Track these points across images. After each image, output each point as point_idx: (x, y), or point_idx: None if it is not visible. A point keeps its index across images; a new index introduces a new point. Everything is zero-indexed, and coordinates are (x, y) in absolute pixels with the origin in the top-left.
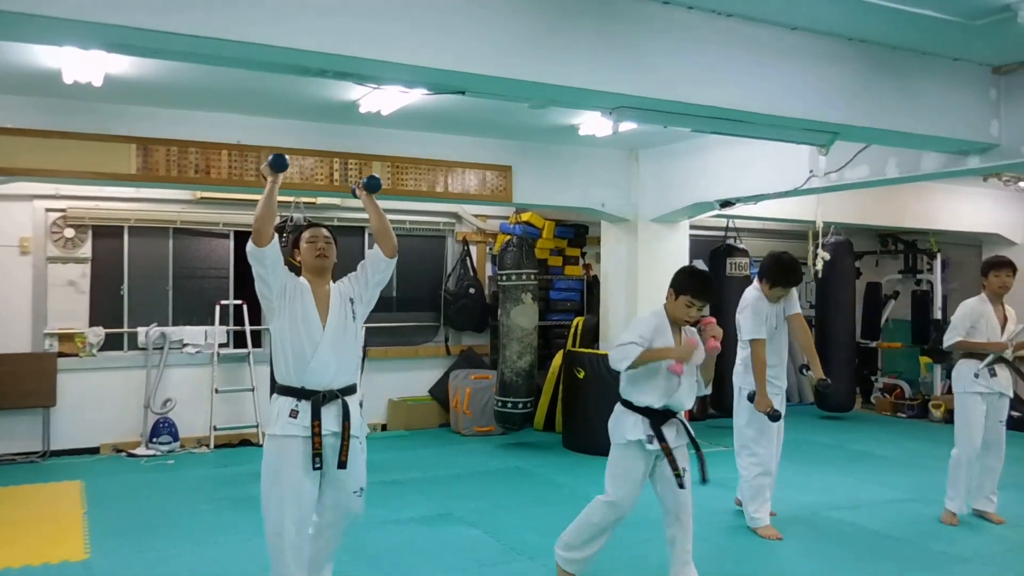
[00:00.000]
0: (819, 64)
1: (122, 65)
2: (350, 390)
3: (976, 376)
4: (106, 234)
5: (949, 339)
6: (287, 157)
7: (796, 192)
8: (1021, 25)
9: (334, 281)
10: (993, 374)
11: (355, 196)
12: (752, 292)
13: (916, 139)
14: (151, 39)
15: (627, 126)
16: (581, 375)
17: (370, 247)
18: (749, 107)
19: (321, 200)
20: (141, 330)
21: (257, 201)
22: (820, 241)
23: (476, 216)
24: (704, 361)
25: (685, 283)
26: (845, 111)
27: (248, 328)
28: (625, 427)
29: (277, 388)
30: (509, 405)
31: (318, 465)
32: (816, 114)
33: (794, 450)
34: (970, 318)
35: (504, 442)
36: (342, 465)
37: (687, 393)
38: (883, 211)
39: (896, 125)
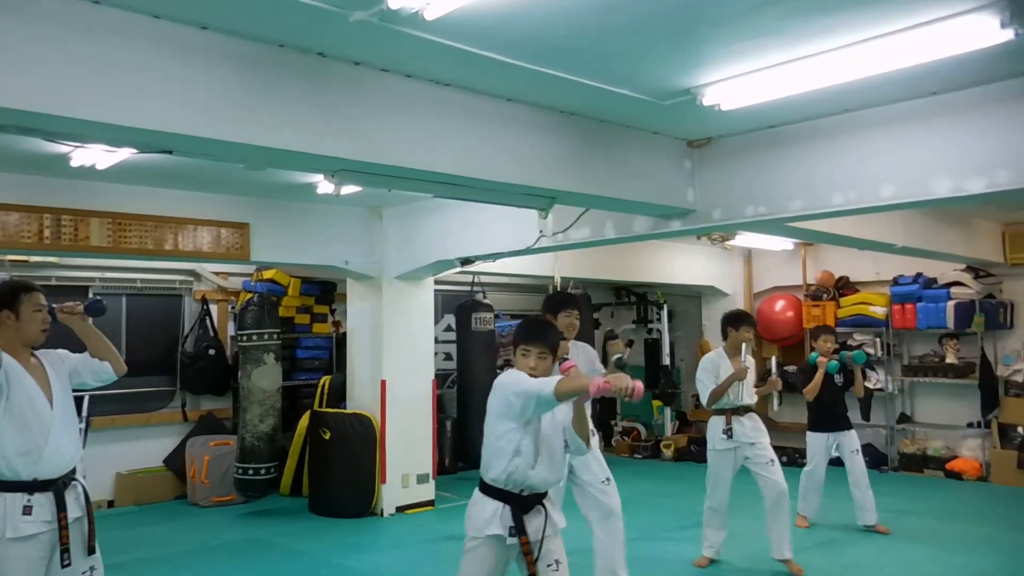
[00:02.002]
0: (534, 133)
1: None
2: (75, 468)
3: (724, 433)
4: None
5: (704, 396)
6: None
7: (528, 251)
8: (703, 107)
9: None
10: (729, 436)
11: (53, 319)
12: None
13: (624, 204)
14: None
15: (356, 188)
16: (327, 436)
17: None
18: (467, 172)
19: (35, 259)
20: None
21: None
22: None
23: (216, 274)
24: (574, 417)
25: (517, 333)
26: (559, 178)
27: None
28: (482, 517)
29: None
30: (250, 472)
31: (67, 562)
32: (532, 180)
33: None
34: (711, 372)
35: (245, 511)
36: (91, 551)
37: (549, 466)
38: (615, 267)
39: (605, 191)
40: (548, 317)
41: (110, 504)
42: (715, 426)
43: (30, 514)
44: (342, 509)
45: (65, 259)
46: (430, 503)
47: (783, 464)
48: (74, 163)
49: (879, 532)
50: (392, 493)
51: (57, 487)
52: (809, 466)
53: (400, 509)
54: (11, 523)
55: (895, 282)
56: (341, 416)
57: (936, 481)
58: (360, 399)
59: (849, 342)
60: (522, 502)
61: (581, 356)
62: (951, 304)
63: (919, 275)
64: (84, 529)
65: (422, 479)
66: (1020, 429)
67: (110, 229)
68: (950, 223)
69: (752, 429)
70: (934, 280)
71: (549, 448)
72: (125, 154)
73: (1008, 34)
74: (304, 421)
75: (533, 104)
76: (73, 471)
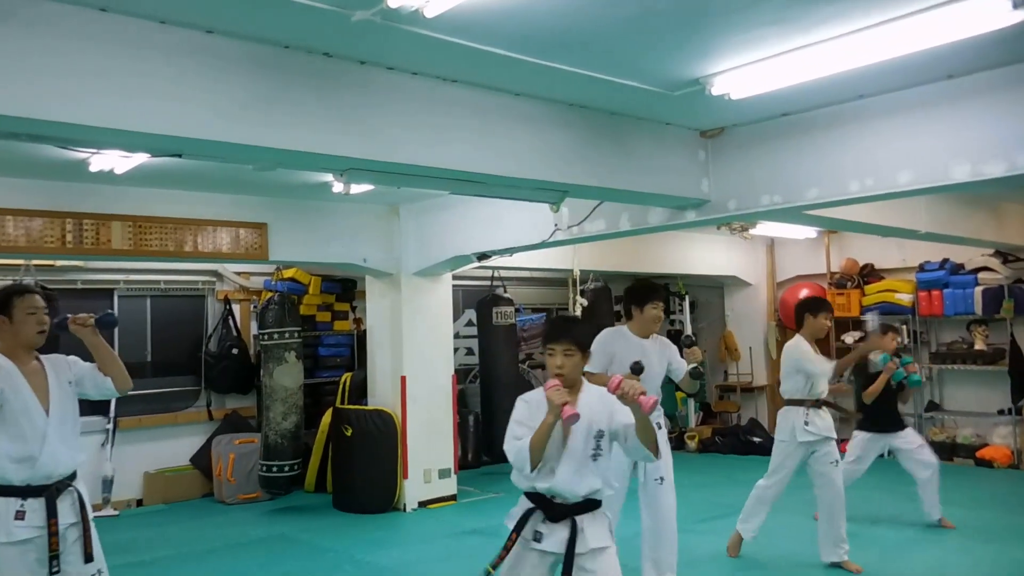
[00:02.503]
0: (545, 128)
1: None
2: (75, 474)
3: (806, 424)
4: None
5: (787, 390)
6: None
7: (544, 244)
8: (713, 97)
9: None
10: (806, 423)
11: (64, 329)
12: (603, 332)
13: (638, 196)
14: None
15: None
16: (348, 432)
17: (120, 313)
18: (477, 168)
19: (60, 263)
20: None
21: None
22: (579, 287)
23: (238, 274)
24: (637, 425)
25: (544, 333)
26: (570, 172)
27: None
28: (512, 516)
29: None
30: (274, 469)
31: (56, 568)
32: (543, 174)
33: None
34: (813, 362)
35: (270, 508)
36: (89, 558)
37: (573, 473)
38: (636, 258)
39: (618, 184)
40: (634, 310)
41: (139, 503)
42: (789, 416)
43: (23, 519)
44: (365, 505)
45: (90, 263)
46: (452, 498)
47: None
48: (93, 168)
49: (944, 527)
50: (414, 488)
51: (50, 493)
52: (852, 462)
53: (422, 504)
54: (4, 527)
55: (921, 268)
56: (362, 412)
57: (966, 469)
58: (381, 395)
59: None
60: (551, 509)
61: (655, 351)
62: (979, 290)
63: (946, 261)
64: (80, 535)
65: (444, 474)
66: None
67: (131, 232)
68: (976, 207)
69: (828, 425)
70: (961, 266)
71: (573, 457)
72: (140, 159)
73: (1020, 15)
74: (326, 418)
75: (542, 98)
76: (72, 476)
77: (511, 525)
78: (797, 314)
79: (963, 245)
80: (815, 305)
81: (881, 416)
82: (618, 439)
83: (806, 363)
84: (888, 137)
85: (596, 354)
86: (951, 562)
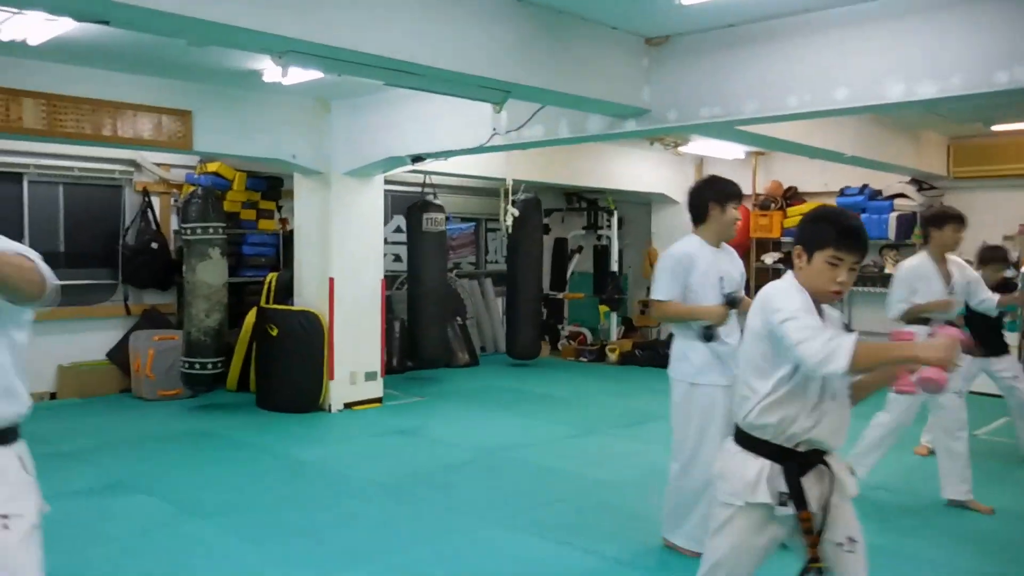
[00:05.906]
0: (489, 22)
1: None
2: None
3: None
4: None
5: (893, 310)
6: None
7: (481, 149)
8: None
9: None
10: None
11: None
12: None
13: (579, 101)
14: None
15: (313, 74)
16: (274, 332)
17: (30, 200)
18: (419, 59)
19: None
20: None
21: None
22: (511, 198)
23: (158, 165)
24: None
25: (822, 231)
26: (513, 70)
27: None
28: (739, 478)
29: None
30: (197, 366)
31: None
32: (486, 71)
33: (480, 395)
34: (908, 281)
35: (192, 405)
36: None
37: (839, 417)
38: (567, 171)
39: (560, 86)
40: (712, 207)
41: (52, 396)
42: None
43: None
44: (289, 404)
45: None
46: (378, 400)
47: None
48: (4, 36)
49: None
50: (340, 389)
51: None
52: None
53: (348, 405)
54: None
55: (841, 193)
56: (288, 312)
57: None
58: (307, 297)
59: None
60: (800, 460)
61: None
62: (893, 216)
63: (865, 186)
64: None
65: (370, 376)
66: None
67: (44, 111)
68: (899, 134)
69: None
70: (879, 192)
71: (839, 392)
72: (61, 27)
73: None
74: (250, 317)
75: None
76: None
77: (759, 499)
78: (922, 228)
79: (883, 171)
80: (939, 217)
81: (984, 337)
82: None
83: (895, 284)
84: (829, 53)
85: (667, 280)
86: None
